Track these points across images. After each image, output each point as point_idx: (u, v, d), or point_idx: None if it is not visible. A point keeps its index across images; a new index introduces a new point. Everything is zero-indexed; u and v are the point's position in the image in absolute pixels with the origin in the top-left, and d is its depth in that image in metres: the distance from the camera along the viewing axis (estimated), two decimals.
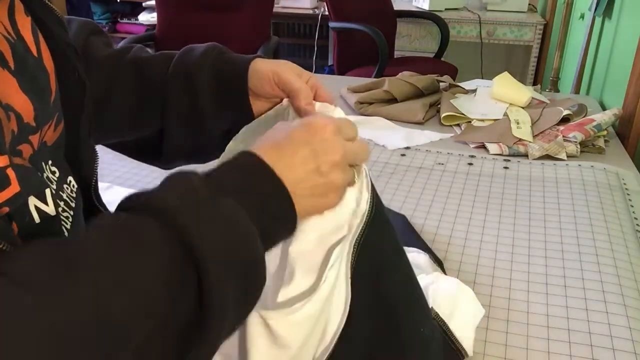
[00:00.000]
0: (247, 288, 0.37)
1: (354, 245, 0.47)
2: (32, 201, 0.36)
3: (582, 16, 2.12)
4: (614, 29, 1.66)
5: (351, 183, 0.48)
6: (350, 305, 0.46)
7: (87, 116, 0.49)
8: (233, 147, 0.59)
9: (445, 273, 0.78)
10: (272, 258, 0.48)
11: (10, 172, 0.33)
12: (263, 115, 0.60)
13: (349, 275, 0.47)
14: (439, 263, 0.79)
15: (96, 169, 0.51)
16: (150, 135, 0.61)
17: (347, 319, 0.46)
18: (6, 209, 0.33)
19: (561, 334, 0.68)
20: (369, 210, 0.49)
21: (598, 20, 1.83)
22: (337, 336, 0.46)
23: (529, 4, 3.17)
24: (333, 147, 0.45)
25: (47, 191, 0.38)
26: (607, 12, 1.73)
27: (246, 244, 0.37)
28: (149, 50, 0.66)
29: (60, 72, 0.45)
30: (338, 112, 0.55)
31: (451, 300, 0.65)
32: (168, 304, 0.33)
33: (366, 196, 0.50)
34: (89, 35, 0.62)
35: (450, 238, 0.88)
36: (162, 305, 0.32)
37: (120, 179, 1.05)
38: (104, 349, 0.29)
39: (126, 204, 0.36)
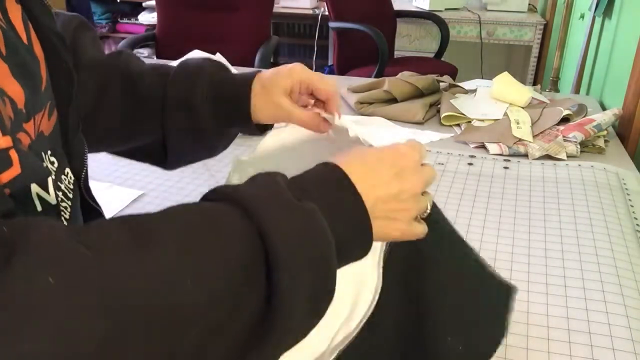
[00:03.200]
0: (317, 297, 0.37)
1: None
2: (35, 189, 0.36)
3: (582, 16, 2.12)
4: (614, 29, 1.66)
5: (423, 213, 0.47)
6: (380, 296, 0.45)
7: (75, 107, 0.49)
8: (246, 166, 0.61)
9: None
10: None
11: (13, 154, 0.33)
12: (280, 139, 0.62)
13: (382, 264, 0.46)
14: None
15: (86, 162, 0.51)
16: (149, 143, 0.62)
17: (375, 309, 0.45)
18: (8, 191, 0.33)
19: (561, 334, 0.68)
20: None
21: (598, 20, 1.83)
22: (361, 324, 0.45)
23: (529, 4, 3.17)
24: (417, 177, 0.45)
25: (49, 179, 0.38)
26: (607, 12, 1.73)
27: (323, 250, 0.37)
28: (138, 57, 0.66)
29: (49, 62, 0.45)
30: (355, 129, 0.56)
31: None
32: (237, 297, 0.32)
33: None
34: (75, 30, 0.62)
35: None
36: (231, 297, 0.32)
37: (120, 178, 1.05)
38: (166, 329, 0.29)
39: (212, 195, 0.37)
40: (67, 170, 0.46)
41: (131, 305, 0.28)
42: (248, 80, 0.61)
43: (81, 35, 0.62)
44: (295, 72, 0.60)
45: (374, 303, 0.45)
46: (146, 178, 1.05)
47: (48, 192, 0.38)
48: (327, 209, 0.38)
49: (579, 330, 0.69)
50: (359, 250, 0.42)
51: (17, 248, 0.26)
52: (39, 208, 0.37)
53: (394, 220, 0.44)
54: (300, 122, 0.60)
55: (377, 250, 0.46)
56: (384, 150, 0.46)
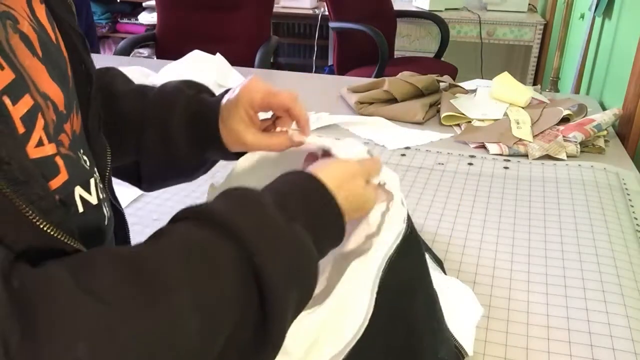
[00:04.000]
0: (301, 305, 0.41)
1: (387, 261, 0.48)
2: (78, 191, 0.37)
3: (582, 16, 2.12)
4: (614, 29, 1.66)
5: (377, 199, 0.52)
6: (370, 320, 0.47)
7: (96, 107, 0.48)
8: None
9: (445, 273, 0.78)
10: None
11: (59, 160, 0.34)
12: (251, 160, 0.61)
13: (376, 290, 0.47)
14: (439, 263, 0.79)
15: (109, 162, 0.51)
16: (126, 164, 0.61)
17: (365, 333, 0.46)
18: (57, 198, 0.34)
19: (561, 334, 0.68)
20: (405, 230, 0.51)
21: (598, 20, 1.83)
22: (350, 347, 0.45)
23: (529, 4, 3.17)
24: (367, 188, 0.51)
25: (92, 180, 0.39)
26: (607, 12, 1.73)
27: (309, 272, 0.40)
28: (125, 76, 0.65)
29: (71, 60, 0.45)
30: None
31: (450, 300, 0.65)
32: (236, 326, 0.35)
33: (404, 214, 0.51)
34: None
35: (450, 238, 0.88)
36: (231, 327, 0.34)
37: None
38: None
39: (196, 215, 0.38)
40: (95, 169, 0.45)
41: (147, 354, 0.30)
42: (218, 105, 0.58)
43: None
44: (240, 99, 0.56)
45: (364, 326, 0.46)
46: None
47: (90, 193, 0.39)
48: (311, 224, 0.42)
49: (579, 330, 0.68)
50: (335, 242, 0.47)
51: (39, 316, 0.27)
52: (81, 209, 0.37)
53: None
54: (269, 149, 0.58)
55: (371, 276, 0.48)
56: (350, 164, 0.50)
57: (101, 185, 0.45)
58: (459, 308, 0.64)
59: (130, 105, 0.60)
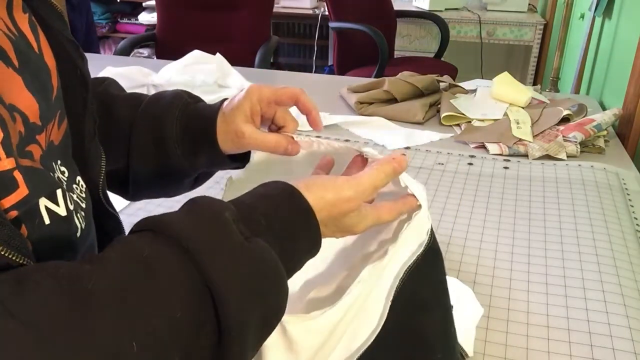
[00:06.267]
0: (266, 323, 0.38)
1: (406, 270, 0.48)
2: (43, 202, 0.35)
3: (582, 16, 2.12)
4: (614, 29, 1.66)
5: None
6: (383, 327, 0.46)
7: (90, 114, 0.48)
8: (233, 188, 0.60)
9: (445, 273, 0.78)
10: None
11: (18, 175, 0.32)
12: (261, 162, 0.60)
13: (391, 298, 0.47)
14: None
15: (103, 168, 0.50)
16: (114, 169, 0.59)
17: (376, 339, 0.46)
18: (15, 213, 0.32)
19: (561, 334, 0.68)
20: (427, 242, 0.50)
21: (598, 20, 1.83)
22: (359, 352, 0.45)
23: (529, 4, 3.17)
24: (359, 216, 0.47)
25: (59, 191, 0.37)
26: (607, 12, 1.73)
27: (274, 295, 0.38)
28: (120, 85, 0.65)
29: (61, 69, 0.44)
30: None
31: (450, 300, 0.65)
32: (188, 350, 0.32)
33: (427, 226, 0.50)
34: None
35: (451, 238, 0.88)
36: (181, 351, 0.32)
37: None
38: None
39: (152, 227, 0.36)
40: (79, 178, 0.45)
41: None
42: (215, 112, 0.58)
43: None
44: (250, 93, 0.56)
45: (376, 332, 0.46)
46: None
47: (57, 204, 0.37)
48: (280, 242, 0.40)
49: (579, 330, 0.69)
50: (309, 257, 0.44)
51: None
52: (47, 221, 0.36)
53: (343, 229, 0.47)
54: (264, 146, 0.56)
55: (387, 285, 0.47)
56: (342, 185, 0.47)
57: (83, 195, 0.44)
58: (459, 308, 0.64)
59: (123, 109, 0.60)
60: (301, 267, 0.43)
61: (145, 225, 0.36)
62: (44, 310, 0.28)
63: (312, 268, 0.54)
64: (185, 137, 0.58)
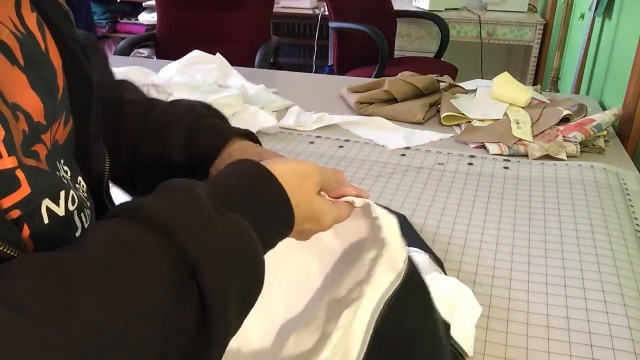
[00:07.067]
0: (246, 297, 0.39)
1: (385, 302, 0.48)
2: (45, 203, 0.36)
3: (582, 16, 2.12)
4: (614, 29, 1.66)
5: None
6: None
7: (95, 114, 0.48)
8: None
9: (445, 273, 0.78)
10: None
11: (20, 174, 0.33)
12: None
13: (371, 332, 0.46)
14: (439, 263, 0.79)
15: (107, 168, 0.50)
16: (123, 172, 0.60)
17: None
18: (17, 212, 0.32)
19: (561, 334, 0.68)
20: (405, 272, 0.49)
21: (598, 20, 1.83)
22: None
23: (529, 4, 3.17)
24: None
25: (62, 193, 0.38)
26: (607, 12, 1.73)
27: (252, 268, 0.39)
28: (138, 88, 0.65)
29: (66, 68, 0.44)
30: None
31: (450, 300, 0.65)
32: (173, 326, 0.33)
33: (403, 256, 0.50)
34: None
35: (450, 238, 0.88)
36: (166, 328, 0.33)
37: None
38: None
39: (126, 212, 0.36)
40: (80, 179, 0.45)
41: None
42: (221, 143, 0.59)
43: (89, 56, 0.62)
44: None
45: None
46: None
47: (58, 205, 0.37)
48: (254, 212, 0.41)
49: (579, 330, 0.69)
50: (283, 232, 0.45)
51: None
52: (46, 221, 0.36)
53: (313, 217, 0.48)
54: None
55: (365, 321, 0.47)
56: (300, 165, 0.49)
57: (85, 195, 0.44)
58: (458, 309, 0.64)
59: (136, 113, 0.60)
60: (275, 244, 0.44)
61: (122, 211, 0.37)
62: (31, 294, 0.28)
63: (292, 308, 0.54)
64: (190, 147, 0.59)
